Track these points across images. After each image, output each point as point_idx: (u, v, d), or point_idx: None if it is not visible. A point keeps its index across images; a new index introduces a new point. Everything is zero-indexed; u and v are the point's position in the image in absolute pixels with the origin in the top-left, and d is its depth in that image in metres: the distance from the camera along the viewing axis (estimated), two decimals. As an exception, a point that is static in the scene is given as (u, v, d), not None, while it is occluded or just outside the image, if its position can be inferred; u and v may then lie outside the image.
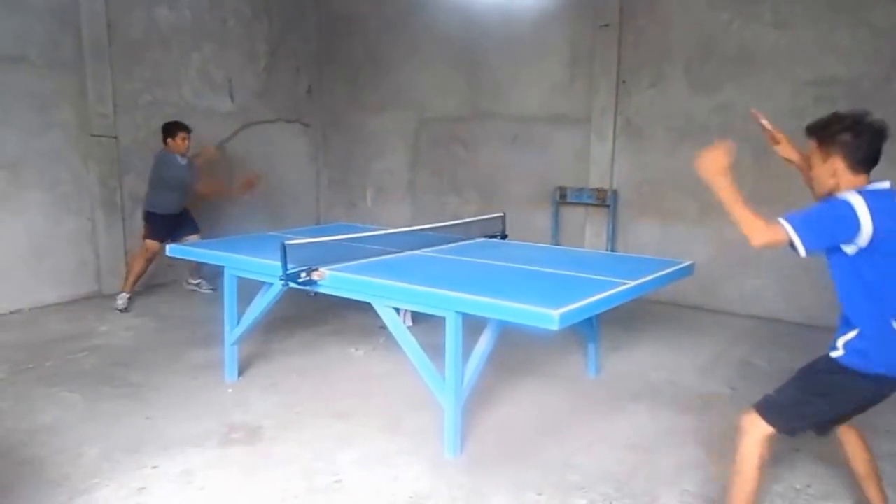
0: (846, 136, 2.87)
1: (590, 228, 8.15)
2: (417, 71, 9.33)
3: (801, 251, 2.79)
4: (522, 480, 3.88)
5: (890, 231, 2.73)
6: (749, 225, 2.85)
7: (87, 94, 7.51)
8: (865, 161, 2.87)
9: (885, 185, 2.89)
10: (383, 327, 4.45)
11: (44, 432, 4.40)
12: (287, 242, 4.35)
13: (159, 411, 4.74)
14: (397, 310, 4.28)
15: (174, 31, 8.33)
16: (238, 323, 5.19)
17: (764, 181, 6.98)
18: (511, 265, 4.81)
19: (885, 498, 3.31)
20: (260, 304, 5.03)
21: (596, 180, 7.97)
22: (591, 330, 5.30)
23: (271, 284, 4.78)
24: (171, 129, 7.27)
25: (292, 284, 4.33)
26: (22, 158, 7.11)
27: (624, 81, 7.69)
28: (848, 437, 3.29)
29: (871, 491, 3.30)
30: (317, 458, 4.09)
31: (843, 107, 6.41)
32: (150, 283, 8.17)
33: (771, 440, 3.01)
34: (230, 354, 5.29)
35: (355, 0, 9.78)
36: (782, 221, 2.80)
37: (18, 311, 7.10)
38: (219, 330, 5.38)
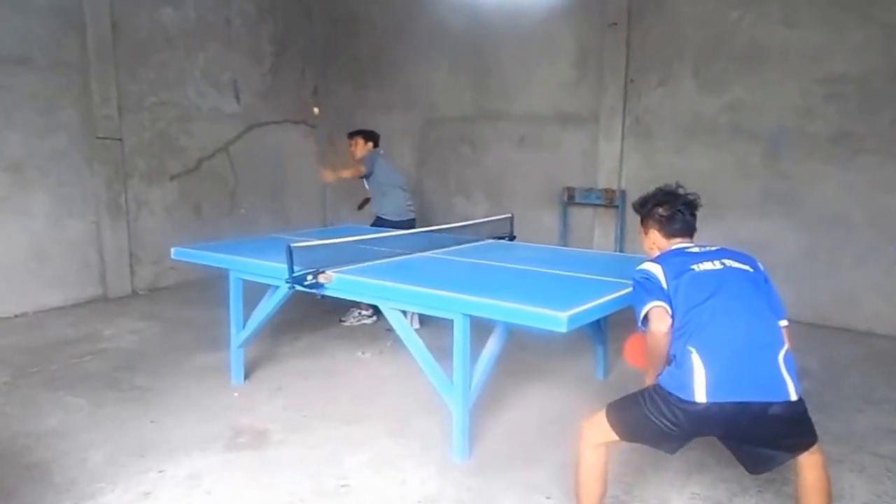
0: (658, 211, 3.21)
1: (598, 229, 8.10)
2: (424, 71, 9.30)
3: (668, 308, 2.95)
4: (531, 483, 3.85)
5: (675, 274, 2.98)
6: (650, 336, 3.01)
7: (92, 96, 7.50)
8: (678, 231, 3.21)
9: (684, 244, 3.21)
10: (390, 330, 4.41)
11: (49, 436, 4.38)
12: (293, 245, 4.31)
13: (165, 415, 4.72)
14: (404, 312, 4.25)
15: (179, 32, 8.32)
16: (244, 326, 5.17)
17: (773, 179, 6.95)
18: (519, 267, 4.78)
19: None
20: (266, 307, 5.01)
21: (604, 181, 7.92)
22: (600, 332, 5.26)
23: (277, 287, 4.75)
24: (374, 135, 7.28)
25: (299, 287, 4.29)
26: (26, 160, 7.09)
27: (632, 80, 7.64)
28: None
29: None
30: (324, 462, 4.07)
31: (853, 105, 6.50)
32: (155, 286, 8.17)
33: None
34: (236, 358, 5.27)
35: (361, 0, 9.73)
36: (644, 309, 3.00)
37: (23, 315, 7.09)
38: (225, 333, 5.36)
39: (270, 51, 9.43)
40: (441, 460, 4.09)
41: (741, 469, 3.94)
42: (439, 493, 3.75)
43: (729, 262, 3.01)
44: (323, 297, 4.50)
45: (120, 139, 7.79)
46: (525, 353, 5.52)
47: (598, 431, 3.05)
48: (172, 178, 8.40)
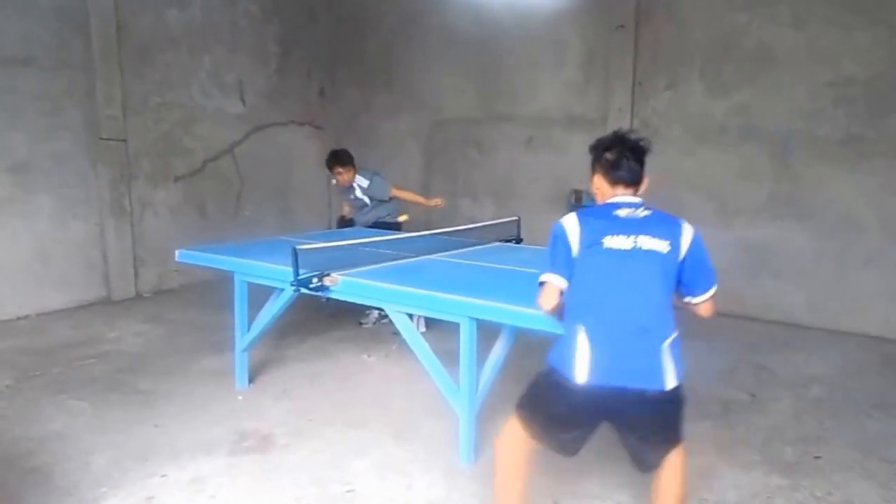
0: (603, 155, 3.12)
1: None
2: (431, 73, 9.27)
3: (561, 283, 2.93)
4: (538, 488, 3.77)
5: (586, 241, 2.89)
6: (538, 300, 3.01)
7: (96, 97, 7.49)
8: (622, 178, 3.08)
9: (623, 198, 3.07)
10: (396, 333, 4.38)
11: (51, 440, 4.36)
12: (298, 247, 4.28)
13: (169, 419, 4.70)
14: (410, 315, 4.22)
15: (184, 33, 8.30)
16: (249, 329, 5.15)
17: (781, 182, 6.91)
18: (526, 270, 4.72)
19: None
20: (271, 309, 4.99)
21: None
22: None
23: (282, 290, 4.73)
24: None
25: (304, 290, 4.26)
26: (30, 161, 7.08)
27: (640, 83, 7.60)
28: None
29: None
30: (329, 466, 4.04)
31: (861, 108, 6.45)
32: (159, 288, 8.15)
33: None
34: (241, 361, 5.25)
35: (368, 1, 9.72)
36: (540, 277, 2.99)
37: (26, 317, 7.08)
38: (229, 336, 5.34)
39: (276, 52, 9.41)
40: (447, 465, 4.06)
41: (753, 474, 3.94)
42: (445, 497, 3.73)
43: (643, 242, 2.87)
44: (328, 299, 4.46)
45: (124, 140, 7.77)
46: (532, 357, 5.45)
47: (513, 436, 3.03)
48: (177, 179, 8.38)
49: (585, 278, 2.88)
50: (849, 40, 6.47)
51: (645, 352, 2.78)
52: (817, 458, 4.16)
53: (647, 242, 2.88)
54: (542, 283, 2.99)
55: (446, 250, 5.39)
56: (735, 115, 7.09)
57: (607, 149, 3.13)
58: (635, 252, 2.86)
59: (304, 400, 5.05)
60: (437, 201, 7.23)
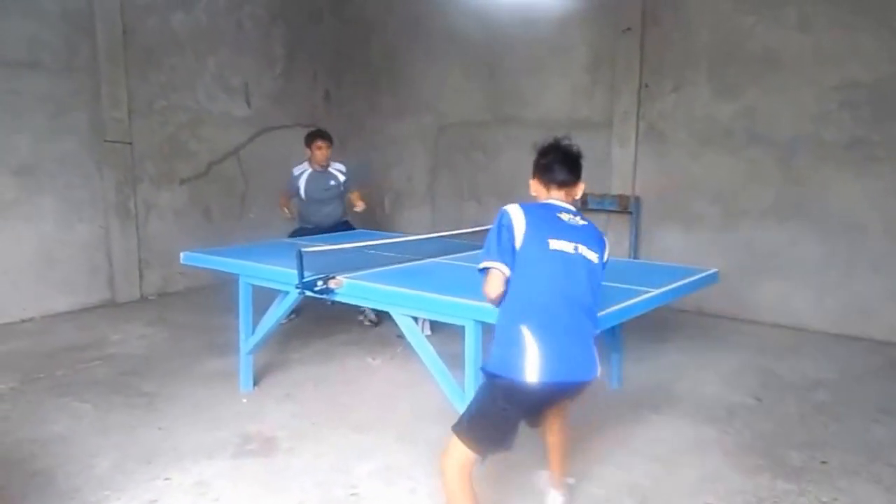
0: (538, 160, 3.27)
1: (612, 235, 8.01)
2: (436, 76, 9.26)
3: (506, 271, 2.95)
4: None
5: (532, 237, 2.96)
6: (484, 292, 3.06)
7: (102, 99, 7.49)
8: (555, 181, 3.20)
9: (560, 203, 3.19)
10: (401, 336, 4.36)
11: (55, 443, 4.35)
12: (303, 250, 4.28)
13: (172, 422, 4.69)
14: (415, 318, 4.20)
15: (190, 36, 8.31)
16: (253, 332, 5.14)
17: (788, 186, 6.89)
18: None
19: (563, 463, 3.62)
20: (276, 312, 4.97)
21: (618, 186, 7.86)
22: (614, 339, 5.19)
23: (287, 293, 4.72)
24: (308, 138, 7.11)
25: (309, 293, 4.25)
26: (35, 164, 7.09)
27: (646, 85, 7.57)
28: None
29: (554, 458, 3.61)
30: (333, 470, 4.03)
31: (867, 111, 6.44)
32: (163, 291, 8.15)
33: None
34: (245, 364, 5.23)
35: (374, 4, 9.73)
36: (482, 264, 3.02)
37: (30, 320, 7.07)
38: (234, 339, 5.32)
39: (282, 54, 9.40)
40: (452, 469, 4.02)
41: (758, 479, 3.92)
42: (450, 502, 3.70)
43: (582, 249, 3.03)
44: (333, 302, 4.45)
45: (129, 143, 7.78)
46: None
47: (457, 456, 3.01)
48: (182, 182, 8.38)
49: (529, 276, 2.95)
50: (855, 43, 6.44)
51: (584, 349, 3.01)
52: (823, 462, 4.13)
53: (585, 251, 3.04)
54: (485, 270, 3.02)
55: (451, 253, 5.38)
56: (741, 118, 7.06)
57: (543, 154, 3.27)
58: (577, 258, 3.01)
59: (308, 403, 5.03)
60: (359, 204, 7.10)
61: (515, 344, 2.88)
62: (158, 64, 8.03)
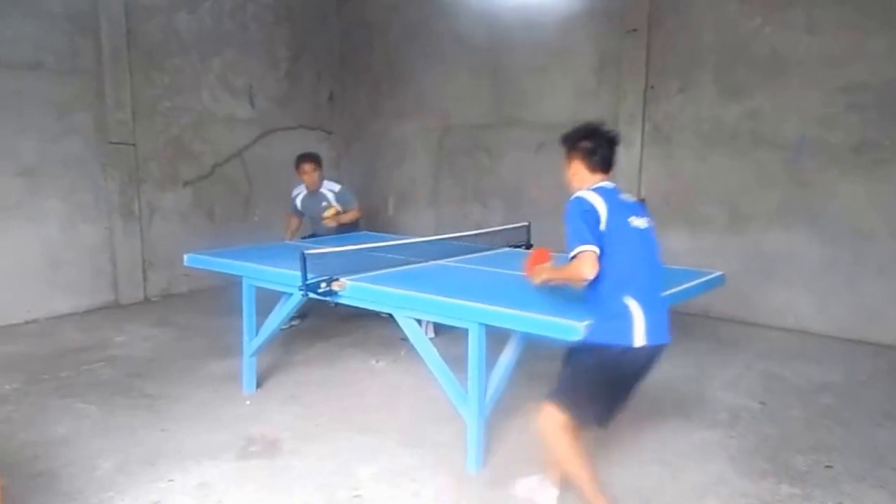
0: (584, 143, 3.40)
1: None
2: (440, 77, 9.25)
3: (598, 251, 3.13)
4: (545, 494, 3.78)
5: (615, 218, 3.19)
6: (571, 271, 3.20)
7: (106, 101, 7.51)
8: (600, 165, 3.39)
9: (608, 184, 3.38)
10: (405, 339, 4.36)
11: (58, 444, 4.35)
12: (307, 252, 4.27)
13: (176, 423, 4.69)
14: (419, 321, 4.19)
15: (194, 37, 8.32)
16: (257, 334, 5.13)
17: (794, 188, 6.87)
18: (536, 275, 4.70)
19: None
20: (279, 314, 4.97)
21: (623, 188, 7.79)
22: (619, 342, 5.17)
23: (291, 295, 4.71)
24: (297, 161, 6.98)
25: (312, 295, 4.24)
26: (39, 165, 7.10)
27: (652, 87, 7.55)
28: None
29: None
30: (336, 472, 4.02)
31: (874, 114, 6.40)
32: (167, 292, 8.15)
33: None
34: (248, 366, 5.23)
35: (378, 6, 9.73)
36: (576, 249, 3.14)
37: (34, 321, 7.09)
38: (237, 341, 5.32)
39: (286, 56, 9.40)
40: (455, 472, 4.03)
41: (763, 483, 3.90)
42: (453, 505, 3.70)
43: (648, 222, 3.35)
44: (336, 304, 4.45)
45: (133, 144, 7.79)
46: (542, 363, 5.40)
47: (553, 422, 3.25)
48: (186, 183, 8.39)
49: (622, 253, 3.17)
50: (862, 45, 6.41)
51: (665, 312, 3.31)
52: (828, 467, 4.11)
53: (649, 223, 3.35)
54: (578, 254, 3.14)
55: (455, 255, 5.37)
56: (747, 120, 7.04)
57: (584, 138, 3.42)
58: (648, 231, 3.32)
59: (311, 405, 5.02)
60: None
61: (622, 314, 3.14)
62: (162, 65, 8.04)
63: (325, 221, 6.77)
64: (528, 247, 5.94)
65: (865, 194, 6.52)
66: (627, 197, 3.39)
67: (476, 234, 6.24)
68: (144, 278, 8.03)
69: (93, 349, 6.24)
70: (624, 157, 7.79)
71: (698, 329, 6.91)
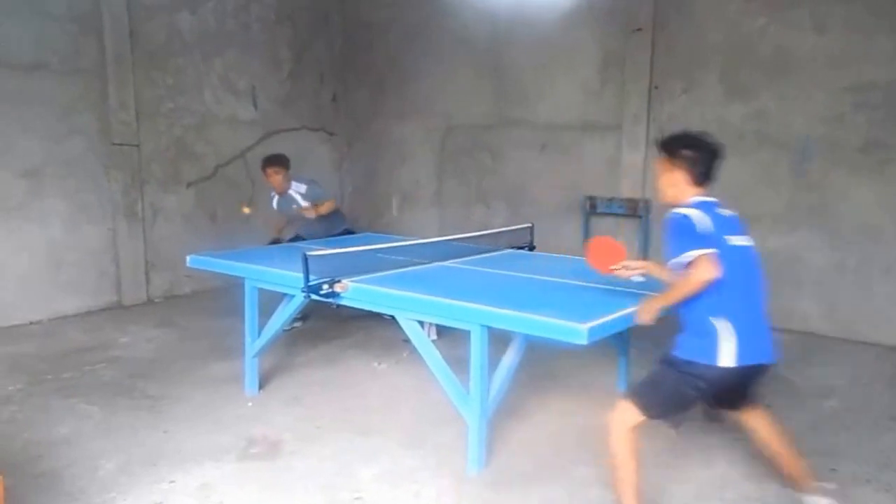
0: (689, 153, 3.31)
1: (621, 240, 7.91)
2: (443, 78, 9.24)
3: (715, 251, 3.10)
4: (549, 498, 3.80)
5: (715, 236, 3.14)
6: (691, 283, 3.12)
7: (109, 101, 7.51)
8: (703, 176, 3.33)
9: (708, 199, 3.34)
10: (407, 340, 4.35)
11: (61, 444, 4.36)
12: (309, 253, 4.26)
13: (178, 424, 4.69)
14: (421, 323, 4.18)
15: (197, 38, 8.31)
16: (259, 335, 5.13)
17: (800, 191, 6.84)
18: (539, 277, 4.71)
19: (799, 464, 3.64)
20: (281, 316, 4.97)
21: (627, 190, 7.82)
22: (622, 344, 5.16)
23: (293, 296, 4.70)
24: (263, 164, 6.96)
25: (314, 296, 4.25)
26: (43, 166, 7.11)
27: (657, 87, 7.53)
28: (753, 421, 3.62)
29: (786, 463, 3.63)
30: (338, 474, 4.02)
31: (881, 113, 6.36)
32: (170, 293, 8.15)
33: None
34: (251, 367, 5.22)
35: (380, 6, 9.72)
36: (691, 254, 3.10)
37: (38, 322, 7.09)
38: (239, 342, 5.32)
39: (289, 57, 9.40)
40: (457, 473, 4.02)
41: (767, 486, 3.88)
42: (455, 507, 3.69)
43: (748, 240, 3.31)
44: (338, 306, 4.44)
45: (137, 145, 7.79)
46: (544, 365, 5.43)
47: (627, 418, 3.27)
48: (189, 185, 8.39)
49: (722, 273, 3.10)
50: (869, 44, 6.38)
51: (767, 333, 3.28)
52: (833, 470, 4.08)
53: (748, 241, 3.31)
54: (695, 260, 3.09)
55: (458, 257, 5.37)
56: (753, 121, 7.01)
57: (687, 147, 3.33)
58: (747, 249, 3.29)
59: (313, 407, 5.02)
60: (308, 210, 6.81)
61: (710, 334, 3.12)
62: (165, 66, 8.04)
63: (305, 213, 6.74)
64: (532, 248, 5.93)
65: (872, 195, 6.49)
66: (726, 212, 3.33)
67: (479, 236, 6.23)
68: (147, 279, 8.03)
69: (96, 350, 6.24)
70: (628, 158, 7.80)
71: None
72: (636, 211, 7.75)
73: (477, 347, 3.84)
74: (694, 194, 3.30)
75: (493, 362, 3.99)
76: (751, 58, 6.96)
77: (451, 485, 3.90)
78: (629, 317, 3.73)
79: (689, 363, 3.16)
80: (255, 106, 9.01)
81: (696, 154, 3.30)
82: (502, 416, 4.46)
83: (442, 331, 5.87)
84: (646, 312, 3.39)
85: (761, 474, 4.03)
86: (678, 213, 3.20)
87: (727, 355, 3.09)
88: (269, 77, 9.17)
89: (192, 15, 8.22)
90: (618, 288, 4.28)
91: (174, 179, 8.25)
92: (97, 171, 7.52)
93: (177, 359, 6.03)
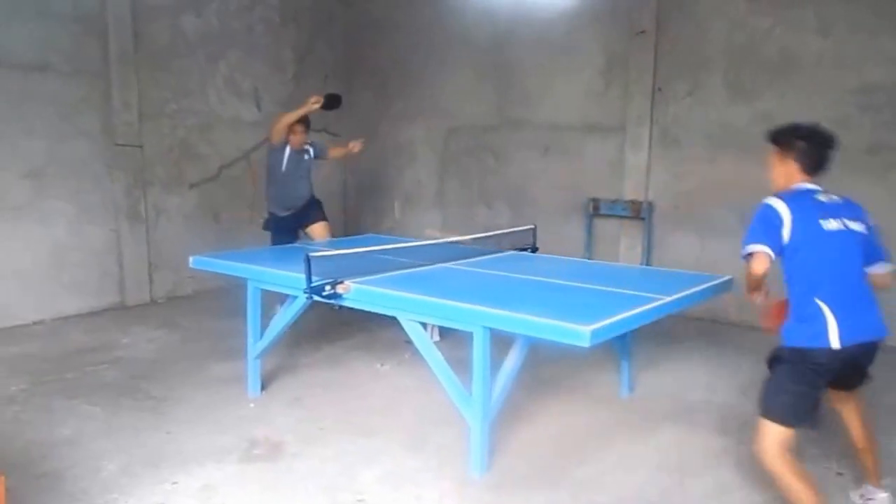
0: (801, 144, 3.41)
1: (624, 242, 7.98)
2: (447, 79, 9.24)
3: (772, 254, 3.27)
4: (551, 501, 3.79)
5: (803, 223, 3.25)
6: (747, 277, 3.44)
7: (112, 102, 7.51)
8: (815, 166, 3.41)
9: (811, 185, 3.44)
10: (410, 342, 4.34)
11: (63, 445, 4.35)
12: (311, 254, 4.26)
13: (180, 425, 4.68)
14: (424, 324, 4.18)
15: (201, 39, 8.31)
16: (261, 336, 5.12)
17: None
18: (541, 279, 4.70)
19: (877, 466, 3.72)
20: (284, 317, 4.96)
21: (631, 192, 7.81)
22: (625, 347, 5.15)
23: (295, 297, 4.70)
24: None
25: (317, 297, 4.25)
26: (46, 167, 7.10)
27: (660, 89, 7.52)
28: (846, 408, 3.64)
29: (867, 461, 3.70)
30: (339, 475, 4.01)
31: (888, 115, 6.32)
32: (173, 294, 8.15)
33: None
34: (253, 368, 5.21)
35: (383, 8, 9.73)
36: (747, 248, 3.33)
37: (41, 322, 7.08)
38: (242, 343, 5.31)
39: (292, 58, 9.40)
40: (459, 476, 4.01)
41: (771, 492, 3.85)
42: (456, 509, 3.68)
43: (849, 223, 3.33)
44: (341, 307, 4.43)
45: (140, 146, 7.79)
46: (547, 368, 5.42)
47: (771, 439, 3.23)
48: (192, 186, 8.38)
49: (811, 257, 3.25)
50: (875, 46, 6.36)
51: (870, 310, 3.32)
52: (839, 474, 4.07)
53: (851, 224, 3.35)
54: (751, 254, 3.31)
55: (461, 258, 5.36)
56: (758, 123, 6.95)
57: (802, 138, 3.42)
58: (846, 233, 3.31)
59: (315, 408, 5.01)
60: (354, 144, 7.42)
61: (815, 317, 3.19)
62: (169, 67, 8.04)
63: (352, 148, 7.39)
64: (534, 250, 5.92)
65: (879, 197, 6.43)
66: (828, 197, 3.40)
67: (482, 237, 6.23)
68: (150, 280, 8.02)
69: (98, 350, 6.24)
70: (632, 160, 7.79)
71: (707, 334, 6.87)
72: (639, 213, 7.73)
73: (479, 349, 3.83)
74: (798, 182, 3.42)
75: (496, 364, 3.97)
76: (755, 59, 6.95)
77: (454, 487, 3.88)
78: (631, 319, 3.74)
79: (797, 351, 3.23)
80: (259, 107, 9.00)
81: (809, 145, 3.40)
82: (505, 418, 4.44)
83: (444, 332, 5.87)
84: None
85: (766, 480, 4.00)
86: (765, 202, 3.33)
87: (834, 337, 3.15)
88: (272, 78, 9.17)
89: (196, 16, 8.22)
90: (620, 290, 4.28)
91: (177, 180, 8.25)
92: (100, 172, 7.52)
93: (179, 359, 6.02)
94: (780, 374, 3.31)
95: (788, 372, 3.27)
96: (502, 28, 8.58)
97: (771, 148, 3.55)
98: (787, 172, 3.45)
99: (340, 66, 10.03)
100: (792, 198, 3.32)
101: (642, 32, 7.51)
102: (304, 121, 6.95)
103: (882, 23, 6.32)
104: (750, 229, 3.34)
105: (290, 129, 6.89)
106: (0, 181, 6.84)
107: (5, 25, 6.74)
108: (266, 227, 7.13)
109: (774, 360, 3.38)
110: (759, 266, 3.28)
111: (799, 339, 3.24)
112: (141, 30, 7.69)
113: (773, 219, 3.26)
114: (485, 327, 3.79)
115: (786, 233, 3.24)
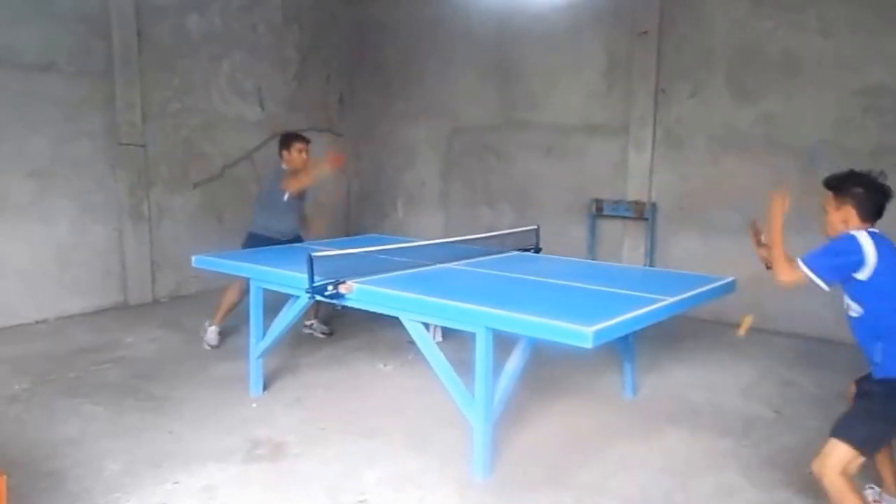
0: (859, 191, 3.43)
1: (627, 242, 7.97)
2: (450, 79, 9.23)
3: (823, 286, 3.41)
4: (554, 503, 3.76)
5: (890, 262, 3.29)
6: (781, 264, 3.56)
7: (116, 102, 7.52)
8: (873, 213, 3.43)
9: (875, 229, 3.43)
10: (412, 342, 4.33)
11: (66, 445, 4.35)
12: (314, 254, 4.26)
13: (182, 425, 4.68)
14: (427, 325, 4.17)
15: (204, 39, 8.32)
16: (263, 336, 5.12)
17: (809, 194, 6.76)
18: (545, 280, 4.69)
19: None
20: (286, 317, 4.96)
21: (634, 192, 7.80)
22: (628, 348, 5.14)
23: (298, 297, 4.69)
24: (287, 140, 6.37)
25: (319, 297, 4.25)
26: (50, 166, 7.12)
27: (663, 90, 7.51)
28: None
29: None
30: (342, 476, 4.01)
31: (891, 117, 6.29)
32: (175, 294, 8.15)
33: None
34: (255, 368, 5.21)
35: (387, 8, 9.72)
36: (799, 262, 3.42)
37: (44, 321, 7.09)
38: (244, 343, 5.31)
39: (295, 58, 9.40)
40: (461, 477, 4.00)
41: (776, 493, 3.86)
42: (459, 511, 3.68)
43: None
44: (343, 307, 4.43)
45: (143, 146, 7.80)
46: (550, 369, 5.41)
47: (839, 460, 3.21)
48: (195, 185, 8.38)
49: None
50: (879, 47, 6.35)
51: None
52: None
53: None
54: (798, 267, 3.42)
55: (463, 259, 5.35)
56: (761, 124, 6.98)
57: (859, 185, 3.45)
58: None
59: (317, 408, 5.01)
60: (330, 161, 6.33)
61: None
62: (172, 67, 8.04)
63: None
64: (538, 250, 5.92)
65: (883, 199, 6.45)
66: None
67: (485, 238, 6.22)
68: (153, 279, 8.03)
69: (101, 350, 6.24)
70: (635, 160, 7.77)
71: (710, 335, 6.84)
72: (642, 213, 7.72)
73: (482, 350, 3.82)
74: (859, 227, 3.41)
75: (499, 365, 3.96)
76: (758, 61, 6.93)
77: (456, 489, 3.88)
78: (634, 320, 3.73)
79: None
80: (262, 107, 9.00)
81: (867, 191, 3.41)
82: (507, 419, 4.44)
83: (447, 333, 5.85)
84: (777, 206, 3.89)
85: (770, 482, 4.01)
86: (848, 232, 3.35)
87: None
88: (275, 78, 9.17)
89: (199, 16, 8.22)
90: (624, 291, 4.28)
91: (181, 180, 8.25)
92: (104, 172, 7.53)
93: (182, 359, 6.03)
94: (876, 405, 3.32)
95: (885, 405, 3.29)
96: (505, 28, 8.57)
97: (827, 194, 3.60)
98: (845, 218, 3.47)
99: (343, 66, 10.04)
100: (876, 237, 3.34)
101: (645, 33, 7.51)
102: (306, 140, 6.38)
103: (885, 24, 6.31)
104: (820, 253, 3.40)
105: (293, 148, 6.28)
106: (4, 181, 6.85)
107: (9, 26, 6.75)
108: (246, 245, 6.49)
109: (870, 391, 3.42)
110: (792, 276, 3.46)
111: None
112: (144, 30, 7.70)
113: (852, 253, 3.29)
114: (487, 328, 3.78)
115: (867, 271, 3.27)
